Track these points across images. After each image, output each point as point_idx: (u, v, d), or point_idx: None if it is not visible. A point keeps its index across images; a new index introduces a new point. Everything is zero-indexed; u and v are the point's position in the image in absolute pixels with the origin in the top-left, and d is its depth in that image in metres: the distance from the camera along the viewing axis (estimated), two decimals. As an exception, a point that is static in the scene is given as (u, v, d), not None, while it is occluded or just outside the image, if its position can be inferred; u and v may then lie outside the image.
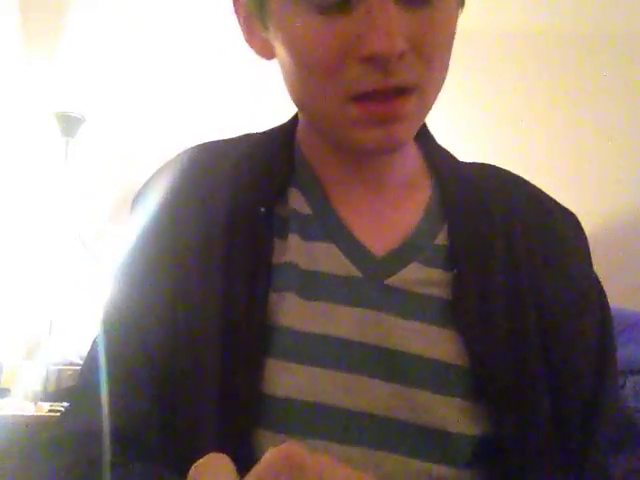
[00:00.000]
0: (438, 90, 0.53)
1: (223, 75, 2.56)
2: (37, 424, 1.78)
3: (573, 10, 2.74)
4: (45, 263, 2.27)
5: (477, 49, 2.86)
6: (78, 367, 2.10)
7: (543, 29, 2.86)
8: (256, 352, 0.50)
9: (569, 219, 0.63)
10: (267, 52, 0.56)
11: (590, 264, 0.62)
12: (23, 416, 1.88)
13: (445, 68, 0.52)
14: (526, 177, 0.67)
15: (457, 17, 0.53)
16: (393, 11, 0.47)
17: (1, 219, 2.22)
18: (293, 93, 0.54)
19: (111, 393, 0.51)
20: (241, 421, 0.49)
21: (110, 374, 0.52)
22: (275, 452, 0.31)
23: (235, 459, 0.44)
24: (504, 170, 0.66)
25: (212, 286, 0.52)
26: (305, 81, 0.51)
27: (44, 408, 1.95)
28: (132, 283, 0.56)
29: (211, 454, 0.31)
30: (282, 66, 0.54)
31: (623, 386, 1.98)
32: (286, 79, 0.54)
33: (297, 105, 0.57)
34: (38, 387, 2.17)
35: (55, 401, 2.00)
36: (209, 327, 0.51)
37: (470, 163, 0.65)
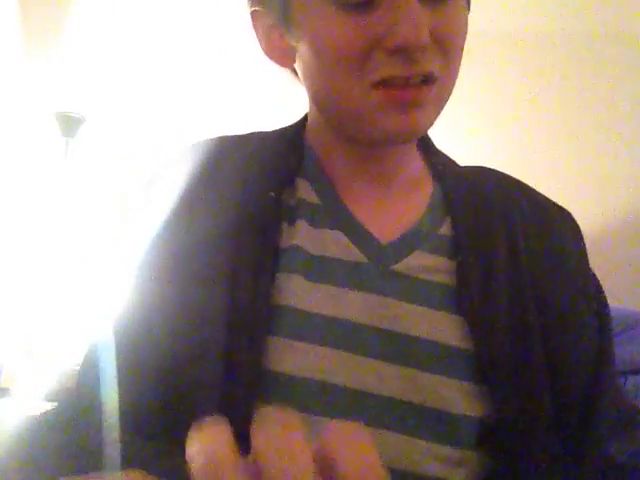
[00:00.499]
0: (454, 83, 0.56)
1: (224, 75, 2.56)
2: (37, 424, 1.77)
3: (574, 11, 2.74)
4: (45, 263, 2.27)
5: (477, 50, 2.86)
6: (78, 367, 2.10)
7: (544, 30, 2.86)
8: (260, 330, 0.51)
9: (566, 217, 0.66)
10: (287, 59, 0.59)
11: (587, 260, 0.64)
12: (23, 416, 1.88)
13: (459, 62, 0.55)
14: (527, 177, 0.68)
15: (467, 17, 0.56)
16: (417, 5, 0.50)
17: (1, 219, 2.22)
18: (315, 89, 0.57)
19: (119, 382, 0.52)
20: (245, 397, 0.50)
21: (117, 362, 0.53)
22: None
23: (239, 436, 0.45)
24: (501, 172, 0.68)
25: (220, 269, 0.54)
26: (330, 75, 0.53)
27: (44, 408, 1.95)
28: (145, 281, 0.57)
29: (211, 418, 0.31)
30: (304, 65, 0.56)
31: (623, 386, 1.98)
32: (308, 77, 0.56)
33: (318, 101, 0.59)
34: (38, 387, 2.17)
35: (55, 401, 2.00)
36: (215, 307, 0.52)
37: (468, 166, 0.68)
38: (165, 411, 0.50)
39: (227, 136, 0.66)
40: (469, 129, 2.77)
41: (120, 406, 0.50)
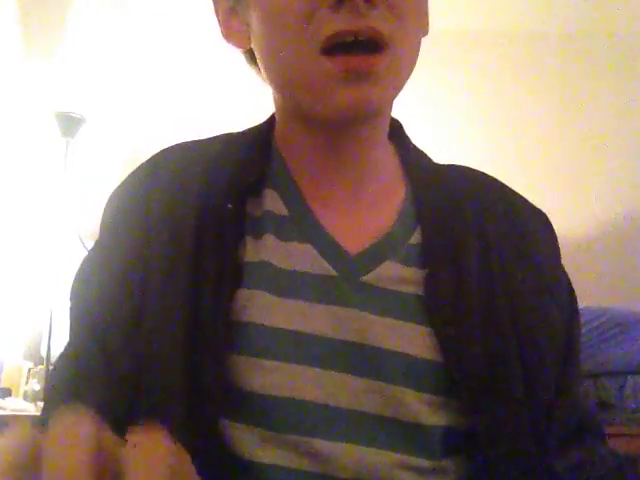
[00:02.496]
0: (413, 55, 0.54)
1: (224, 75, 2.56)
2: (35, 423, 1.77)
3: (572, 11, 2.74)
4: (45, 263, 2.27)
5: (475, 50, 2.86)
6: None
7: (542, 30, 2.86)
8: (221, 347, 0.51)
9: (538, 217, 0.65)
10: (244, 41, 0.58)
11: (559, 260, 0.63)
12: (23, 416, 1.88)
13: (419, 30, 0.54)
14: (525, 178, 0.68)
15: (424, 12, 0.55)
16: None
17: (1, 219, 2.22)
18: (268, 65, 0.56)
19: (71, 382, 0.52)
20: (210, 413, 0.49)
21: (71, 364, 0.54)
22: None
23: (204, 450, 0.44)
24: (477, 171, 0.67)
25: (178, 283, 0.53)
26: (279, 44, 0.53)
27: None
28: (97, 276, 0.57)
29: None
30: (257, 41, 0.56)
31: (623, 386, 1.99)
32: (261, 53, 0.56)
33: (273, 79, 0.58)
34: (38, 387, 2.17)
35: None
36: (173, 322, 0.51)
37: (444, 165, 0.66)
38: (124, 416, 0.49)
39: (189, 142, 0.64)
40: (466, 129, 2.77)
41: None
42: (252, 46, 0.58)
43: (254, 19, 0.55)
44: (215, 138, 0.64)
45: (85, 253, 0.61)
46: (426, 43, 0.58)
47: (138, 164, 0.63)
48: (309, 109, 0.55)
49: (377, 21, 0.49)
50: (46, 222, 2.30)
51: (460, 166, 0.67)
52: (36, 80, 2.32)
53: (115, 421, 0.36)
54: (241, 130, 0.65)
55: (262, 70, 0.58)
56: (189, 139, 0.65)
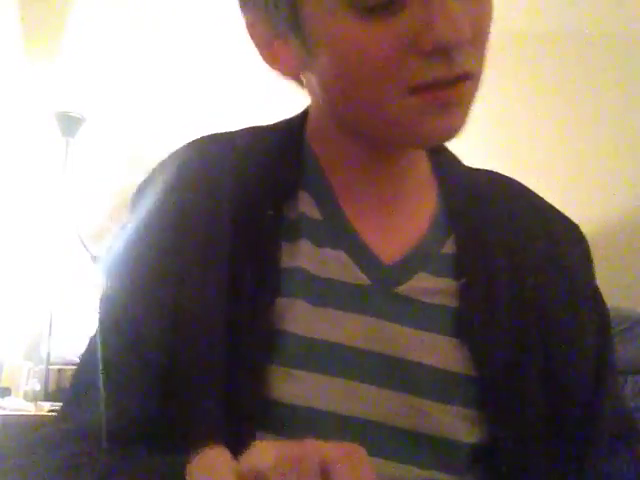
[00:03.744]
0: (483, 69, 0.52)
1: (224, 74, 2.56)
2: (37, 424, 1.78)
3: (574, 11, 2.74)
4: (45, 263, 2.27)
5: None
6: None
7: (543, 30, 2.86)
8: (260, 358, 0.50)
9: (571, 228, 0.63)
10: (293, 70, 0.54)
11: (592, 273, 0.62)
12: (23, 416, 1.88)
13: (487, 47, 0.51)
14: (526, 178, 0.67)
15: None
16: (453, 1, 0.45)
17: (1, 219, 2.22)
18: (337, 101, 0.53)
19: (105, 395, 0.50)
20: (244, 426, 0.49)
21: (104, 372, 0.52)
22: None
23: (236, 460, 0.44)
24: (508, 178, 0.65)
25: (216, 288, 0.51)
26: (359, 87, 0.49)
27: (44, 408, 1.95)
28: (130, 278, 0.55)
29: (210, 448, 0.31)
30: (321, 77, 0.52)
31: (623, 386, 1.98)
32: (326, 89, 0.53)
33: (338, 112, 0.55)
34: (38, 387, 2.17)
35: (55, 401, 2.00)
36: (212, 330, 0.50)
37: (475, 169, 0.65)
38: (159, 430, 0.49)
39: (219, 134, 0.61)
40: (467, 129, 2.77)
41: (106, 417, 0.48)
42: (302, 77, 0.55)
43: (319, 57, 0.50)
44: (244, 131, 0.62)
45: (85, 253, 0.60)
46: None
47: (138, 164, 0.61)
48: (387, 140, 0.54)
49: (467, 62, 0.47)
50: (46, 222, 2.30)
51: (490, 171, 0.65)
52: (36, 80, 2.32)
53: (150, 428, 0.36)
54: (270, 124, 0.62)
55: (317, 98, 0.56)
56: (187, 139, 0.62)
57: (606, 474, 0.54)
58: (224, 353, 0.49)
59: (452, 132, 0.50)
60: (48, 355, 2.14)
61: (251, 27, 0.53)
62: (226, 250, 0.52)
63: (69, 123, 2.26)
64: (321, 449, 0.30)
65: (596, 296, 0.61)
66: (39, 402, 2.06)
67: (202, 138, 0.61)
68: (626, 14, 2.74)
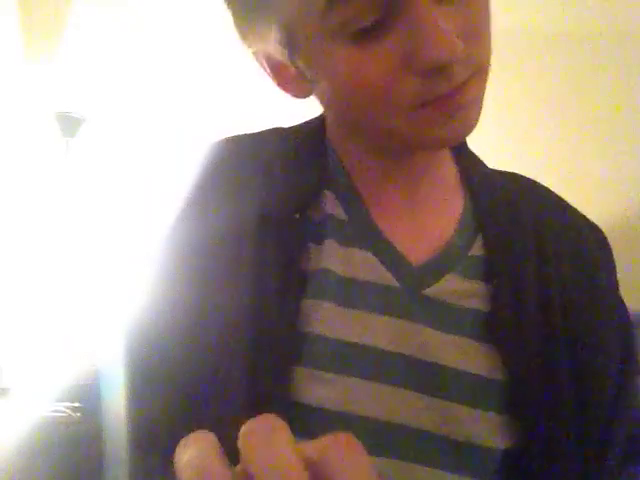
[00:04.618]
0: (490, 60, 0.51)
1: (225, 75, 2.56)
2: (37, 424, 1.78)
3: (575, 9, 2.74)
4: (45, 263, 2.27)
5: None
6: (78, 367, 2.10)
7: (543, 28, 2.86)
8: (287, 360, 0.49)
9: (596, 234, 0.64)
10: (303, 91, 0.53)
11: (615, 278, 0.63)
12: (23, 416, 1.88)
13: (491, 45, 0.50)
14: (527, 176, 0.67)
15: None
16: (437, 12, 0.43)
17: (1, 219, 2.22)
18: (344, 118, 0.52)
19: (130, 399, 0.50)
20: None
21: (127, 374, 0.52)
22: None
23: None
24: (532, 181, 0.65)
25: (242, 291, 0.51)
26: (360, 106, 0.48)
27: (44, 408, 1.95)
28: (155, 279, 0.54)
29: (197, 432, 0.31)
30: (326, 99, 0.51)
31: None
32: (332, 108, 0.52)
33: (346, 125, 0.54)
34: (38, 387, 2.16)
35: (55, 401, 2.00)
36: (238, 333, 0.50)
37: (499, 172, 0.65)
38: (182, 430, 0.49)
39: (244, 136, 0.61)
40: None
41: (130, 422, 0.48)
42: (314, 95, 0.54)
43: (320, 82, 0.50)
44: (269, 133, 0.61)
45: (85, 253, 0.60)
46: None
47: (138, 164, 0.61)
48: (396, 148, 0.53)
49: (467, 66, 0.46)
50: (46, 222, 2.30)
51: (514, 174, 0.65)
52: (36, 80, 2.32)
53: (172, 433, 0.36)
54: (293, 125, 0.62)
55: (329, 116, 0.55)
56: (187, 139, 0.62)
57: (625, 477, 0.54)
58: (251, 357, 0.49)
59: (463, 134, 0.50)
60: (48, 355, 2.14)
61: (256, 56, 0.53)
62: (253, 254, 0.52)
63: (69, 123, 2.25)
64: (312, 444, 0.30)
65: (619, 301, 0.62)
66: (39, 402, 2.05)
67: (226, 140, 0.60)
68: (628, 13, 2.74)
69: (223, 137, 0.61)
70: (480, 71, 0.48)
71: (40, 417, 1.86)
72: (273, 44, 0.50)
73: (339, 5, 0.43)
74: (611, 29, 2.80)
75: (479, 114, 0.50)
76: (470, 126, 0.49)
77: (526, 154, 2.78)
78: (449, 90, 0.46)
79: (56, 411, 1.87)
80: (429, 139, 0.49)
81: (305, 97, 0.54)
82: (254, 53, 0.53)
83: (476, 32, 0.47)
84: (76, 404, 1.69)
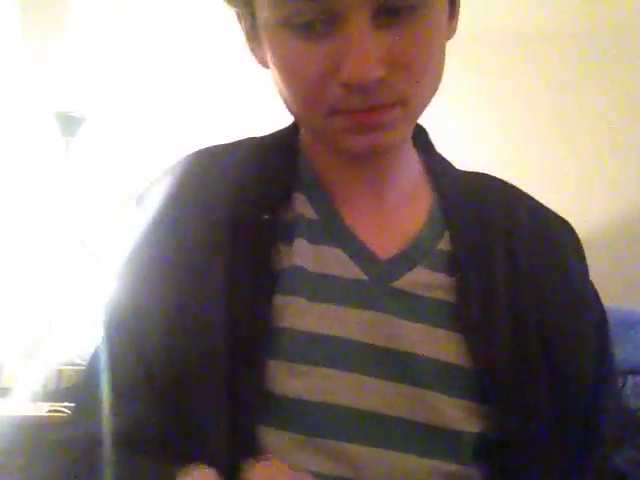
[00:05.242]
0: (428, 98, 0.53)
1: (225, 76, 2.56)
2: (37, 424, 1.78)
3: (570, 9, 2.74)
4: (45, 263, 2.27)
5: (472, 50, 2.86)
6: (78, 367, 2.10)
7: (540, 29, 2.86)
8: (260, 354, 0.51)
9: (565, 227, 0.65)
10: (264, 64, 0.57)
11: (587, 273, 0.64)
12: (23, 416, 1.88)
13: (436, 77, 0.52)
14: (524, 178, 0.68)
15: (447, 20, 0.53)
16: (370, 35, 0.46)
17: (1, 219, 2.22)
18: (284, 103, 0.55)
19: (110, 396, 0.52)
20: (247, 421, 0.49)
21: (108, 376, 0.53)
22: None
23: (242, 458, 0.44)
24: (501, 180, 0.67)
25: (215, 291, 0.52)
26: (292, 97, 0.52)
27: (44, 408, 1.95)
28: (132, 286, 0.56)
29: (198, 467, 0.32)
30: (273, 78, 0.55)
31: (623, 386, 1.99)
32: (277, 90, 0.55)
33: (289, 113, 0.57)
34: (38, 387, 2.17)
35: (55, 401, 2.00)
36: (212, 331, 0.51)
37: (468, 172, 0.67)
38: (163, 429, 0.50)
39: (214, 147, 0.64)
40: (467, 130, 2.77)
41: (114, 423, 0.49)
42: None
43: (268, 59, 0.54)
44: (241, 142, 0.64)
45: (85, 253, 0.61)
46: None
47: (138, 164, 0.62)
48: (328, 148, 0.56)
49: (387, 93, 0.48)
50: (46, 222, 2.30)
51: (483, 174, 0.67)
52: (36, 80, 2.32)
53: (156, 433, 0.37)
54: (267, 134, 0.65)
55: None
56: (187, 139, 0.64)
57: (610, 470, 0.55)
58: (226, 356, 0.50)
59: (373, 149, 0.52)
60: (48, 355, 2.14)
61: (238, 17, 0.57)
62: (224, 256, 0.54)
63: (69, 123, 2.26)
64: None
65: (592, 291, 0.63)
66: (39, 402, 2.06)
67: (200, 151, 0.63)
68: (626, 11, 2.75)
69: (195, 150, 0.64)
70: (404, 102, 0.50)
71: (39, 417, 1.86)
72: (242, 13, 0.55)
73: (285, 2, 0.47)
74: (610, 28, 2.80)
75: (394, 140, 0.52)
76: (382, 145, 0.52)
77: (526, 153, 2.78)
78: (361, 108, 0.48)
79: (55, 411, 1.87)
80: (342, 147, 0.52)
81: (266, 68, 0.57)
82: (237, 14, 0.57)
83: (406, 64, 0.48)
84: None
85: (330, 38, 0.47)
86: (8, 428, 1.71)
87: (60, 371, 2.23)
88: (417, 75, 0.50)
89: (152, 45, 2.66)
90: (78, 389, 0.58)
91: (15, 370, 2.23)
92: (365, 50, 0.46)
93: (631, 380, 2.00)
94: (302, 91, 0.50)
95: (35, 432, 1.67)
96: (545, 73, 2.90)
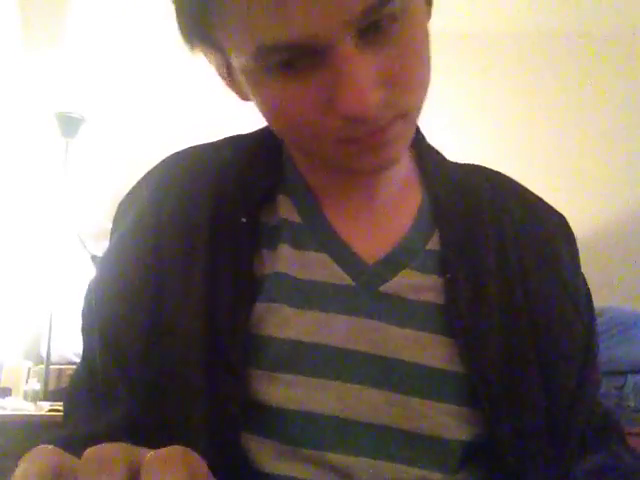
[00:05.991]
0: (424, 101, 0.51)
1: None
2: (37, 424, 1.78)
3: (572, 10, 2.74)
4: (45, 263, 2.27)
5: (476, 50, 2.86)
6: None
7: (540, 31, 2.86)
8: (241, 363, 0.50)
9: (559, 222, 0.63)
10: (245, 97, 0.53)
11: (578, 264, 0.62)
12: (23, 416, 1.88)
13: (427, 81, 0.50)
14: (525, 178, 0.67)
15: (427, 19, 0.50)
16: (358, 62, 0.43)
17: (1, 219, 2.22)
18: (278, 134, 0.53)
19: (87, 402, 0.51)
20: (230, 430, 0.49)
21: (87, 382, 0.53)
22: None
23: (225, 467, 0.43)
24: (494, 171, 0.65)
25: (194, 297, 0.51)
26: (288, 133, 0.50)
27: (44, 408, 1.95)
28: (110, 292, 0.55)
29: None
30: (260, 112, 0.52)
31: (623, 386, 1.98)
32: (267, 122, 0.52)
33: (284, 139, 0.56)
34: (38, 387, 2.17)
35: (55, 401, 2.00)
36: (191, 338, 0.50)
37: (460, 164, 0.65)
38: (144, 435, 0.48)
39: (198, 147, 0.62)
40: (469, 130, 2.77)
41: (90, 428, 0.49)
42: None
43: (253, 100, 0.51)
44: (224, 141, 0.62)
45: (84, 253, 0.60)
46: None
47: (138, 164, 0.61)
48: (336, 168, 0.54)
49: (388, 111, 0.46)
50: (46, 222, 2.30)
51: (476, 166, 0.65)
52: (36, 80, 2.32)
53: (137, 437, 0.36)
54: (250, 132, 0.63)
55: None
56: (195, 141, 0.63)
57: (580, 472, 0.54)
58: (206, 362, 0.49)
59: (384, 165, 0.51)
60: (48, 355, 2.14)
61: (207, 57, 0.53)
62: (204, 260, 0.52)
63: (69, 123, 2.26)
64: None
65: (582, 287, 0.61)
66: (39, 402, 2.06)
67: (181, 151, 0.61)
68: (627, 13, 2.75)
69: (177, 151, 0.62)
70: (405, 115, 0.48)
71: (39, 417, 1.86)
72: (215, 58, 0.51)
73: (268, 52, 0.43)
74: (609, 30, 2.80)
75: (403, 146, 0.51)
76: (391, 159, 0.50)
77: (526, 153, 2.78)
78: (366, 133, 0.46)
79: (55, 411, 1.87)
80: (355, 168, 0.50)
81: (247, 101, 0.54)
82: (203, 53, 0.53)
83: (401, 79, 0.46)
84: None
85: (317, 72, 0.44)
86: (8, 428, 1.71)
87: (60, 371, 2.23)
88: (412, 84, 0.48)
89: (152, 45, 2.66)
90: (66, 392, 0.57)
91: (15, 370, 2.23)
92: (358, 81, 0.43)
93: (631, 380, 2.00)
94: (299, 128, 0.48)
95: (35, 432, 1.67)
96: (545, 74, 2.90)
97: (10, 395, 2.12)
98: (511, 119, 2.86)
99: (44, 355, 2.17)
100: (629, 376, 2.00)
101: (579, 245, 0.64)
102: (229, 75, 0.52)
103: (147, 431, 0.49)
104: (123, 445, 0.30)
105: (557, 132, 2.85)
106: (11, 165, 2.27)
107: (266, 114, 0.50)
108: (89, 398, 0.52)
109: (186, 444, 0.31)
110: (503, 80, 2.88)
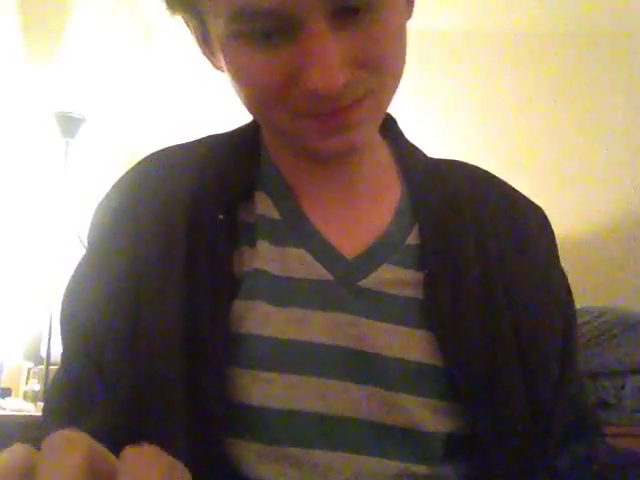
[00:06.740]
0: (394, 90, 0.52)
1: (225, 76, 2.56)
2: (37, 424, 1.77)
3: (572, 9, 2.74)
4: (45, 263, 2.27)
5: (475, 50, 2.86)
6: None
7: (541, 29, 2.86)
8: (221, 362, 0.49)
9: (536, 213, 0.64)
10: (219, 68, 0.55)
11: (556, 257, 0.62)
12: (23, 416, 1.88)
13: (399, 70, 0.50)
14: (525, 178, 0.67)
15: (407, 17, 0.51)
16: (330, 40, 0.44)
17: (1, 219, 2.22)
18: (245, 107, 0.53)
19: (66, 404, 0.51)
20: (211, 430, 0.48)
21: (66, 384, 0.53)
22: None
23: (206, 468, 0.43)
24: (473, 166, 0.66)
25: (173, 296, 0.51)
26: (253, 104, 0.51)
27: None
28: (87, 292, 0.55)
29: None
30: (232, 84, 0.53)
31: (623, 386, 1.99)
32: (237, 95, 0.53)
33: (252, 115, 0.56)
34: (38, 387, 2.17)
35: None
36: (171, 337, 0.50)
37: (440, 159, 0.65)
38: (124, 437, 0.48)
39: (173, 147, 0.62)
40: (464, 130, 2.77)
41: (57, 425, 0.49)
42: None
43: (224, 66, 0.51)
44: (200, 141, 0.62)
45: (83, 255, 0.60)
46: (424, 44, 0.56)
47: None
48: (297, 148, 0.55)
49: (354, 92, 0.47)
50: (46, 222, 2.30)
51: (455, 161, 0.66)
52: (36, 80, 2.32)
53: (117, 443, 0.36)
54: (227, 131, 0.63)
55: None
56: (182, 140, 0.63)
57: (557, 467, 0.54)
58: (186, 363, 0.49)
59: (344, 150, 0.50)
60: (48, 355, 2.14)
61: (186, 24, 0.55)
62: (182, 260, 0.52)
63: (69, 123, 2.26)
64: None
65: (561, 279, 0.61)
66: (39, 402, 2.06)
67: (157, 151, 0.61)
68: (627, 12, 2.75)
69: (154, 151, 0.62)
70: (373, 93, 0.48)
71: (39, 417, 1.86)
72: (193, 23, 0.53)
73: (242, 18, 0.44)
74: (607, 29, 2.81)
75: (368, 132, 0.51)
76: (351, 145, 0.50)
77: (526, 154, 2.78)
78: (330, 110, 0.47)
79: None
80: (311, 149, 0.51)
81: (221, 71, 0.55)
82: (184, 19, 0.54)
83: (370, 62, 0.47)
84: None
85: (289, 46, 0.45)
86: (8, 428, 1.71)
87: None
88: (382, 68, 0.48)
89: (152, 45, 2.66)
90: (45, 397, 0.57)
91: (15, 370, 2.23)
92: (327, 58, 0.44)
93: (631, 380, 2.00)
94: (263, 98, 0.48)
95: (35, 432, 1.67)
96: (545, 74, 2.90)
97: (10, 395, 2.12)
98: (511, 119, 2.86)
99: (44, 355, 2.17)
100: (629, 376, 2.01)
101: (580, 245, 0.64)
102: (206, 44, 0.54)
103: (127, 436, 0.48)
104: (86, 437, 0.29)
105: (557, 132, 2.85)
106: (11, 165, 2.27)
107: (236, 83, 0.50)
108: (68, 404, 0.52)
109: (167, 448, 0.30)
110: (498, 78, 2.88)
